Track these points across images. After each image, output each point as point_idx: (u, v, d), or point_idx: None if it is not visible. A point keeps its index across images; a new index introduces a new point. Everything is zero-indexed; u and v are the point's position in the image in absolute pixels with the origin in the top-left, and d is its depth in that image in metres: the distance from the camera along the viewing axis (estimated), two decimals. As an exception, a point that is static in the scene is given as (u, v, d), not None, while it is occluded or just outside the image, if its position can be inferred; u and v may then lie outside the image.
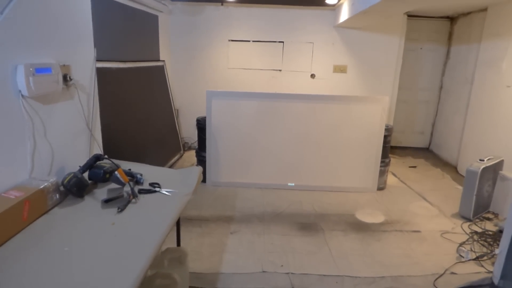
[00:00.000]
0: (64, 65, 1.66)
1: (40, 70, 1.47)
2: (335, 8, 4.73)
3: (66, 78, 1.68)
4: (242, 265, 2.45)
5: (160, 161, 4.13)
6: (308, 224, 3.07)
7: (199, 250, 2.62)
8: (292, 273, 2.38)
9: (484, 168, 3.03)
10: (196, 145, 4.08)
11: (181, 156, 4.87)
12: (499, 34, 3.80)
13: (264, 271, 2.39)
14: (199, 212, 3.22)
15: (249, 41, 4.98)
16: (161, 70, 4.55)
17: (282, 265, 2.46)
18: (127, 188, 1.71)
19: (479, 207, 3.15)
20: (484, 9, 4.17)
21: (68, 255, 1.21)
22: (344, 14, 4.19)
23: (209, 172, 3.83)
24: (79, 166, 1.71)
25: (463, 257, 2.56)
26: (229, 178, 3.84)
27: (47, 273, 1.11)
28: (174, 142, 4.77)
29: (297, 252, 2.63)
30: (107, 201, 1.61)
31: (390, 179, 4.17)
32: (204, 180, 3.88)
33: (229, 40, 4.98)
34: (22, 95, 1.43)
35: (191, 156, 4.81)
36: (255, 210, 3.31)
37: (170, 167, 4.36)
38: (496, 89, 3.82)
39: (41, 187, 1.45)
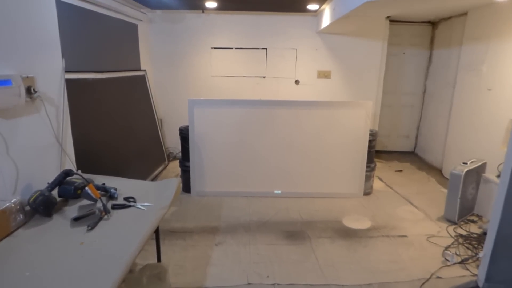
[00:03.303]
0: (27, 77, 1.58)
1: (-1, 83, 1.40)
2: (317, 14, 4.75)
3: (30, 91, 1.59)
4: (227, 277, 2.38)
5: (144, 173, 4.03)
6: (295, 232, 3.01)
7: (183, 263, 2.53)
8: (278, 284, 2.32)
9: (467, 171, 3.04)
10: (180, 154, 3.99)
11: (165, 167, 4.77)
12: (479, 38, 3.88)
13: (249, 283, 2.32)
14: (183, 224, 3.13)
15: (232, 48, 4.95)
16: (142, 79, 4.47)
17: (268, 276, 2.39)
18: (99, 204, 1.63)
19: (463, 210, 3.16)
20: (464, 14, 4.25)
21: (28, 280, 1.13)
22: (326, 20, 4.21)
23: (193, 182, 3.75)
24: (48, 183, 1.63)
25: (448, 260, 2.54)
26: (214, 188, 3.77)
27: (0, 303, 1.02)
28: (158, 153, 4.68)
29: (284, 261, 2.57)
30: (76, 219, 1.53)
31: (376, 184, 4.16)
32: (188, 190, 3.80)
33: (212, 48, 4.95)
34: (-20, 110, 1.35)
35: (176, 166, 4.72)
36: (241, 219, 3.24)
37: (154, 178, 4.26)
38: (477, 92, 3.87)
39: (2, 207, 1.37)
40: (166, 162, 4.85)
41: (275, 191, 3.78)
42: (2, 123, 1.46)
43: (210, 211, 3.41)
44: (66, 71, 1.90)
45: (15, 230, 1.42)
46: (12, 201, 1.39)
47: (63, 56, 1.86)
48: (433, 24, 5.22)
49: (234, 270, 2.45)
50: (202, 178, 3.75)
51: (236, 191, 3.77)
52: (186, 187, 3.80)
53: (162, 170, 4.60)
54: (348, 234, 2.99)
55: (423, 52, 5.34)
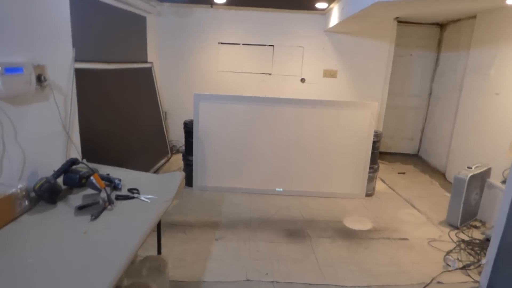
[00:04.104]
0: (38, 65, 1.58)
1: (10, 69, 1.40)
2: (326, 12, 4.72)
3: (40, 79, 1.60)
4: (226, 273, 2.39)
5: (147, 164, 4.04)
6: (296, 231, 3.01)
7: (183, 257, 2.54)
8: (277, 281, 2.32)
9: (472, 176, 3.03)
10: (184, 148, 4.00)
11: (168, 160, 4.78)
12: (487, 41, 3.84)
13: (248, 280, 2.33)
14: (184, 217, 3.14)
15: (239, 44, 4.94)
16: (148, 71, 4.47)
17: (267, 273, 2.40)
18: (103, 194, 1.64)
19: (466, 215, 3.15)
20: (473, 17, 4.21)
21: (30, 267, 1.13)
22: (334, 19, 4.18)
23: (195, 176, 3.76)
24: (54, 171, 1.64)
25: (450, 266, 2.54)
26: (216, 183, 3.77)
27: (3, 287, 1.03)
28: (162, 145, 4.69)
29: (283, 259, 2.57)
30: (80, 208, 1.54)
31: (379, 185, 4.15)
32: (190, 184, 3.81)
33: (219, 43, 4.93)
34: (-10, 96, 1.35)
35: (178, 159, 4.72)
36: (242, 215, 3.25)
37: (157, 170, 4.27)
38: (484, 96, 3.84)
39: (9, 193, 1.38)
40: (169, 155, 4.86)
41: (277, 189, 3.79)
42: (12, 109, 1.47)
43: (211, 206, 3.42)
44: (75, 61, 1.91)
45: (19, 216, 1.43)
46: (19, 187, 1.40)
47: (73, 46, 1.86)
48: (441, 26, 5.17)
49: (233, 266, 2.46)
50: (204, 173, 3.76)
51: (237, 187, 3.77)
52: (188, 181, 3.81)
53: (165, 163, 4.61)
54: (348, 234, 2.99)
55: (430, 54, 5.30)
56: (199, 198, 3.59)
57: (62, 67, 1.82)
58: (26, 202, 1.45)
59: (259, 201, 3.59)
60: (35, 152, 1.64)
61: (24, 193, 1.44)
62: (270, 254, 2.63)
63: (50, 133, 1.76)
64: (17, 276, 1.08)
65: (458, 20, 4.70)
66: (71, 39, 1.86)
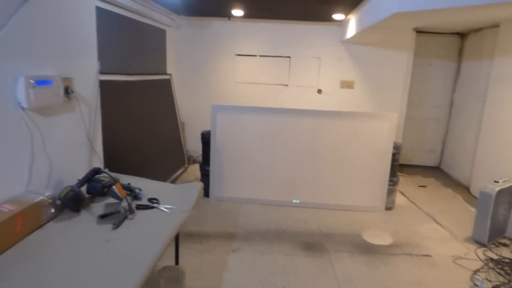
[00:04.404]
0: (66, 78, 1.65)
1: (41, 82, 1.47)
2: (342, 23, 4.73)
3: (67, 91, 1.67)
4: (242, 285, 2.35)
5: (164, 174, 4.10)
6: (313, 244, 2.95)
7: (199, 268, 2.53)
8: (294, 296, 2.27)
9: (499, 191, 2.89)
10: (201, 158, 4.04)
11: (185, 170, 4.83)
12: None
13: (265, 293, 2.29)
14: (201, 227, 3.14)
15: (255, 55, 5.00)
16: (167, 83, 4.58)
17: (284, 287, 2.35)
18: (124, 203, 1.67)
19: (494, 232, 3.00)
20: (496, 25, 4.11)
21: (57, 273, 1.16)
22: (352, 30, 4.18)
23: (212, 186, 3.78)
24: (78, 180, 1.68)
25: (478, 286, 2.41)
26: (232, 193, 3.77)
27: (31, 294, 1.05)
28: (179, 155, 4.75)
29: (300, 273, 2.52)
30: (103, 217, 1.57)
31: (399, 199, 4.03)
32: (207, 195, 3.82)
33: (236, 55, 5.01)
34: (22, 107, 1.42)
35: (195, 169, 4.77)
36: (258, 227, 3.22)
37: (174, 180, 4.32)
38: (510, 107, 3.71)
39: (36, 201, 1.42)
40: (186, 165, 4.91)
41: (294, 201, 3.74)
42: (41, 120, 1.53)
43: (227, 216, 3.41)
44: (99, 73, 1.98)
45: (46, 223, 1.47)
46: (45, 195, 1.45)
47: (98, 58, 1.94)
48: (461, 35, 5.07)
49: (250, 278, 2.43)
50: (221, 183, 3.77)
51: (254, 198, 3.75)
52: (205, 191, 3.82)
53: (182, 173, 4.66)
54: (368, 249, 2.90)
55: (450, 64, 5.19)
56: (215, 208, 3.60)
57: (88, 79, 1.89)
58: (52, 210, 1.49)
59: (275, 212, 3.55)
60: (60, 161, 1.70)
61: (50, 201, 1.48)
62: (287, 267, 2.58)
63: (75, 143, 1.82)
64: (45, 282, 1.11)
65: (480, 29, 4.60)
66: (98, 52, 1.93)
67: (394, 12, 2.69)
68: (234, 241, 2.93)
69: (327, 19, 4.48)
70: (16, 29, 1.36)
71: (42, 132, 1.55)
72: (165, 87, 4.51)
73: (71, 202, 1.56)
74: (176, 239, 2.11)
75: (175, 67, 4.98)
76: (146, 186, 1.92)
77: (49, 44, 1.57)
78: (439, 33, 5.06)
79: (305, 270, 2.55)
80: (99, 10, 2.83)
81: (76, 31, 1.77)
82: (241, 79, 5.09)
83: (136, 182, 1.96)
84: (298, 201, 3.74)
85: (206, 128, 3.91)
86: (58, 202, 1.56)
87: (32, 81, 1.41)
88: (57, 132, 1.66)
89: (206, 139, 3.78)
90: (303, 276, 2.48)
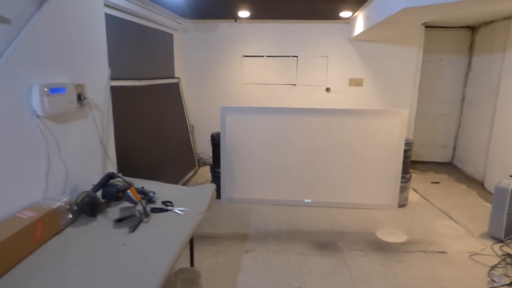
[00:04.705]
0: (78, 85, 1.68)
1: (55, 90, 1.49)
2: (350, 21, 4.69)
3: (80, 97, 1.70)
4: (257, 286, 2.36)
5: (175, 177, 4.13)
6: (326, 243, 2.94)
7: (213, 269, 2.54)
8: (309, 296, 2.26)
9: (515, 185, 2.83)
10: (211, 160, 4.06)
11: (196, 172, 4.86)
12: (525, 43, 3.65)
13: (280, 294, 2.28)
14: (213, 229, 3.16)
15: (263, 56, 5.00)
16: (176, 86, 4.62)
17: (299, 287, 2.35)
18: (139, 207, 1.69)
19: (510, 227, 2.93)
20: (508, 17, 4.02)
21: (77, 278, 1.18)
22: (359, 27, 4.14)
23: (223, 188, 3.79)
24: (93, 185, 1.71)
25: (495, 282, 2.36)
26: (244, 194, 3.78)
27: (54, 298, 1.08)
28: (189, 158, 4.78)
29: (315, 273, 2.51)
30: (119, 221, 1.59)
31: (412, 196, 3.98)
32: (218, 196, 3.84)
33: (243, 56, 5.02)
34: (37, 115, 1.44)
35: (206, 172, 4.79)
36: (270, 227, 3.22)
37: (185, 183, 4.35)
38: (523, 100, 3.62)
39: (54, 207, 1.45)
40: (197, 167, 4.94)
41: (305, 200, 3.73)
42: (55, 127, 1.56)
43: (239, 217, 3.42)
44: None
45: (64, 228, 1.49)
46: (63, 200, 1.47)
47: (108, 65, 1.96)
48: (472, 29, 4.97)
49: (264, 279, 2.43)
50: (232, 185, 3.78)
51: (265, 199, 3.75)
52: (216, 192, 3.79)
53: (192, 175, 4.69)
54: (382, 247, 2.87)
55: (461, 58, 5.09)
56: (227, 210, 3.61)
57: (99, 86, 1.92)
58: (70, 215, 1.52)
59: (287, 212, 3.54)
60: (75, 167, 1.73)
61: (68, 206, 1.51)
62: (301, 267, 2.57)
63: (89, 149, 1.85)
64: (67, 286, 1.13)
65: (491, 22, 4.50)
66: (107, 58, 1.96)
67: (404, 7, 2.65)
68: (247, 242, 2.93)
69: (334, 17, 4.45)
70: (29, 38, 1.39)
71: (57, 139, 1.58)
72: (174, 90, 4.55)
73: (88, 207, 1.58)
74: (191, 241, 2.13)
75: (183, 71, 5.01)
76: (160, 189, 1.94)
77: (61, 52, 1.60)
78: (449, 27, 4.98)
79: (320, 270, 2.54)
80: (107, 17, 2.88)
81: (87, 38, 1.80)
82: (248, 80, 5.10)
83: (149, 185, 1.98)
84: (310, 201, 3.72)
85: (215, 130, 3.92)
86: (75, 207, 1.58)
87: (46, 89, 1.44)
88: (71, 138, 1.69)
89: (215, 141, 3.80)
90: (318, 275, 2.47)
